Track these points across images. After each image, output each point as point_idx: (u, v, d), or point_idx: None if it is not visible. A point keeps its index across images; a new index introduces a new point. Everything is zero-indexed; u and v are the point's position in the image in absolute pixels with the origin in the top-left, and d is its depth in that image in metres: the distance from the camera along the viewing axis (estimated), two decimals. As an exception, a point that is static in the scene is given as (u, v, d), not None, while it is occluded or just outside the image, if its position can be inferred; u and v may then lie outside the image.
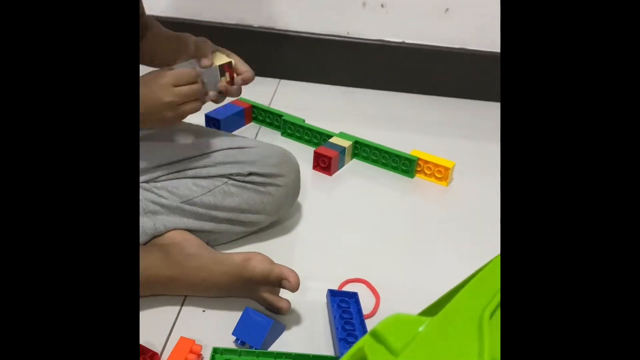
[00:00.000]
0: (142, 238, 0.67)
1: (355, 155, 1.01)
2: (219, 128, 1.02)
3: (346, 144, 0.98)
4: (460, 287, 0.39)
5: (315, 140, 1.03)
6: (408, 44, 1.25)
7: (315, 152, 0.96)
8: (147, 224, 0.68)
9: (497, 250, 0.48)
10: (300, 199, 0.86)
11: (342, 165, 0.98)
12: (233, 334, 0.60)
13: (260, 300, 0.65)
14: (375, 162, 1.00)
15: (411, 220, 0.87)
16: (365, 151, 1.00)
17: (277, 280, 0.63)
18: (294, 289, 0.63)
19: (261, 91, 1.21)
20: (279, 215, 0.78)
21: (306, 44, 1.24)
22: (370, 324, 0.63)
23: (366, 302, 0.67)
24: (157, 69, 0.67)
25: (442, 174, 0.95)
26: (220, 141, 0.75)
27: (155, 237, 0.68)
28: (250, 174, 0.72)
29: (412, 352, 0.30)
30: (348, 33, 1.26)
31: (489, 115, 1.24)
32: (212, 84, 0.71)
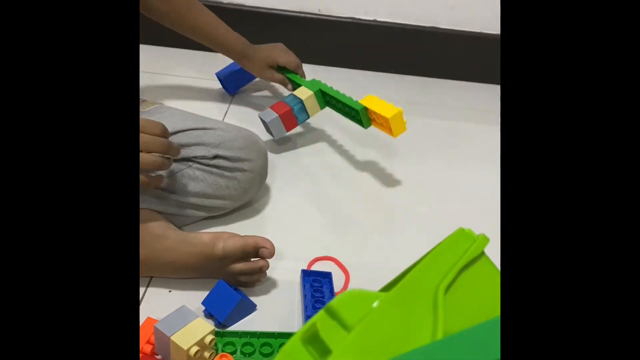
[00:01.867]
0: None
1: (327, 103, 0.92)
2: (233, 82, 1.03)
3: (304, 94, 0.89)
4: (416, 264, 0.39)
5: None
6: (380, 22, 1.24)
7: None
8: None
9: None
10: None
11: (304, 119, 0.92)
12: (202, 303, 0.61)
13: (233, 276, 0.64)
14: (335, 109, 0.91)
15: (380, 198, 0.88)
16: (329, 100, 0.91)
17: (254, 250, 0.63)
18: (272, 254, 0.64)
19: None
20: (245, 201, 0.76)
21: (277, 21, 1.22)
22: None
23: (336, 281, 0.67)
24: None
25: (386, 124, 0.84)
26: (182, 121, 0.72)
27: None
28: (216, 156, 0.70)
29: (365, 328, 0.30)
30: (319, 10, 1.24)
31: (460, 94, 1.25)
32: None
